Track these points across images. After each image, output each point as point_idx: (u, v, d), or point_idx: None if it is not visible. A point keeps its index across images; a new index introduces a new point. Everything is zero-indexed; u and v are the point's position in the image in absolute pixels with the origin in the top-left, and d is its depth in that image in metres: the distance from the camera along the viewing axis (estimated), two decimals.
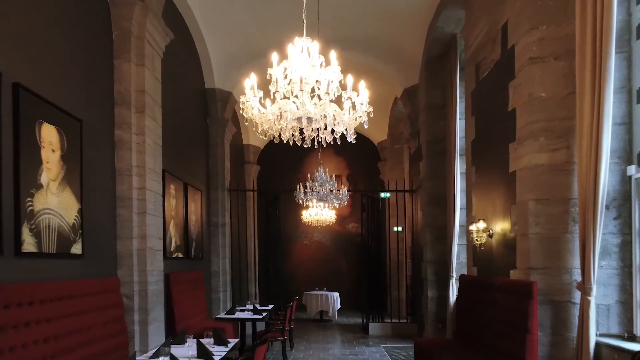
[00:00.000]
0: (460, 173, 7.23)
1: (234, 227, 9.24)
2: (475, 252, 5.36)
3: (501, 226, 4.66)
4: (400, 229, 11.51)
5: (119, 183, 4.67)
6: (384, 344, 8.13)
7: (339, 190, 7.16)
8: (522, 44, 4.21)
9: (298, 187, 7.39)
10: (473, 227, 4.98)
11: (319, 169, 7.10)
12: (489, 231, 4.87)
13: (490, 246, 4.92)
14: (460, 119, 7.29)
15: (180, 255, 6.68)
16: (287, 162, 12.79)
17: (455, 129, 7.19)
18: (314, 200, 7.20)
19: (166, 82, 5.89)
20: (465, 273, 7.27)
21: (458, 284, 5.91)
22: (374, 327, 8.90)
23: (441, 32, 7.22)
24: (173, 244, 6.33)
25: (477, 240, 4.95)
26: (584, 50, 3.62)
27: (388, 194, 8.87)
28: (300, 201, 7.40)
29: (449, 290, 7.28)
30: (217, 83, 8.52)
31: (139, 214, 4.76)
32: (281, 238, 9.06)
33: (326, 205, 7.20)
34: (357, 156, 13.01)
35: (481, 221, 4.85)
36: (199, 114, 8.22)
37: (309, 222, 11.23)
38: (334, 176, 7.14)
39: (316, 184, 6.95)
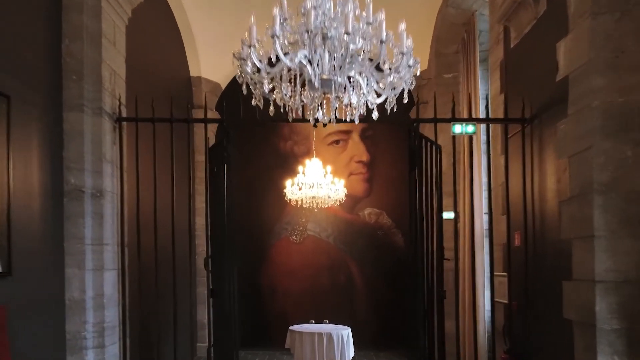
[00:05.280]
0: None
1: (138, 201, 4.34)
2: None
3: None
4: (453, 215, 6.72)
5: None
6: None
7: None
8: None
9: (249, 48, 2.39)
10: None
11: None
12: None
13: None
14: None
15: None
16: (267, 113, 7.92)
17: None
18: (307, 94, 2.24)
19: None
20: None
21: None
22: None
23: None
24: None
25: None
26: None
27: (471, 128, 4.01)
28: (262, 100, 2.40)
29: None
30: None
31: None
32: (231, 223, 4.19)
33: (336, 107, 2.33)
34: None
35: None
36: None
37: (297, 201, 6.40)
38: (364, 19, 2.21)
39: (314, 37, 2.06)
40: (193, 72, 7.46)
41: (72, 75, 3.71)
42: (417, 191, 4.22)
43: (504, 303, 4.47)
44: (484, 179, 6.17)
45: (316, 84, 1.92)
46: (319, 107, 2.20)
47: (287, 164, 7.85)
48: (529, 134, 4.01)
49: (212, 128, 7.43)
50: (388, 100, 2.12)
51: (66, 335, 3.67)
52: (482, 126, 5.19)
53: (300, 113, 2.29)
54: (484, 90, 6.58)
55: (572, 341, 3.31)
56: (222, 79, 7.80)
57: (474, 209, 5.71)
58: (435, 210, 4.28)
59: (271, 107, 2.27)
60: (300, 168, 6.36)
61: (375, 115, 2.30)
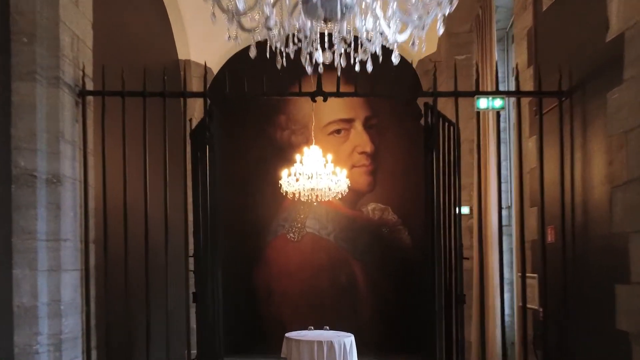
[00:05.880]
0: None
1: (105, 191, 3.73)
2: None
3: None
4: (467, 210, 6.22)
5: None
6: None
7: None
8: None
9: None
10: None
11: None
12: None
13: None
14: None
15: None
16: (261, 99, 7.25)
17: None
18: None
19: None
20: None
21: None
22: None
23: None
24: None
25: None
26: None
27: (498, 102, 3.41)
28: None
29: None
30: None
31: None
32: (216, 216, 3.62)
33: (341, 52, 1.83)
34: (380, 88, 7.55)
35: None
36: None
37: (295, 194, 5.81)
38: None
39: None
40: (181, 55, 6.87)
41: (22, 37, 3.10)
42: (435, 178, 3.61)
43: (534, 309, 3.86)
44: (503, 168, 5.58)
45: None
46: (317, 49, 1.60)
47: (284, 156, 7.25)
48: (567, 109, 3.40)
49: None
50: (414, 35, 1.52)
51: (14, 349, 3.06)
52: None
53: (292, 56, 1.69)
54: (501, 72, 6.00)
55: (628, 358, 2.71)
56: (214, 64, 7.19)
57: (495, 201, 5.16)
58: (454, 201, 3.67)
59: (252, 47, 1.67)
60: (297, 157, 5.75)
61: (396, 58, 1.68)
